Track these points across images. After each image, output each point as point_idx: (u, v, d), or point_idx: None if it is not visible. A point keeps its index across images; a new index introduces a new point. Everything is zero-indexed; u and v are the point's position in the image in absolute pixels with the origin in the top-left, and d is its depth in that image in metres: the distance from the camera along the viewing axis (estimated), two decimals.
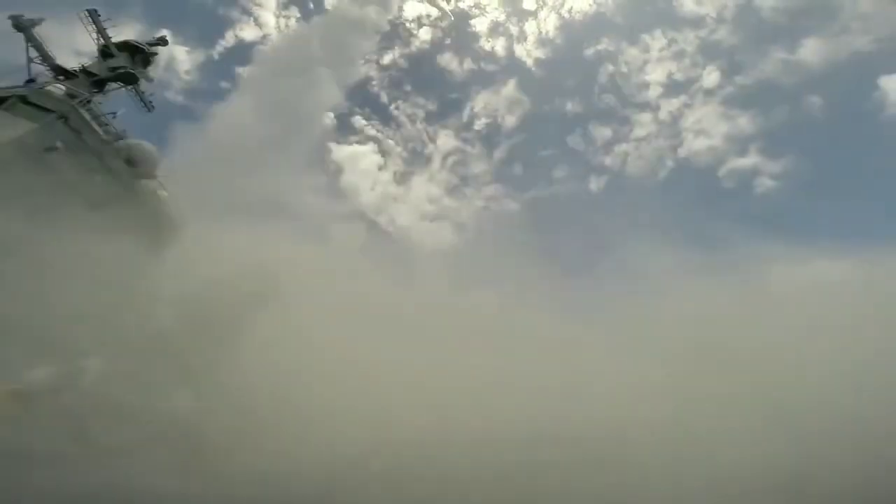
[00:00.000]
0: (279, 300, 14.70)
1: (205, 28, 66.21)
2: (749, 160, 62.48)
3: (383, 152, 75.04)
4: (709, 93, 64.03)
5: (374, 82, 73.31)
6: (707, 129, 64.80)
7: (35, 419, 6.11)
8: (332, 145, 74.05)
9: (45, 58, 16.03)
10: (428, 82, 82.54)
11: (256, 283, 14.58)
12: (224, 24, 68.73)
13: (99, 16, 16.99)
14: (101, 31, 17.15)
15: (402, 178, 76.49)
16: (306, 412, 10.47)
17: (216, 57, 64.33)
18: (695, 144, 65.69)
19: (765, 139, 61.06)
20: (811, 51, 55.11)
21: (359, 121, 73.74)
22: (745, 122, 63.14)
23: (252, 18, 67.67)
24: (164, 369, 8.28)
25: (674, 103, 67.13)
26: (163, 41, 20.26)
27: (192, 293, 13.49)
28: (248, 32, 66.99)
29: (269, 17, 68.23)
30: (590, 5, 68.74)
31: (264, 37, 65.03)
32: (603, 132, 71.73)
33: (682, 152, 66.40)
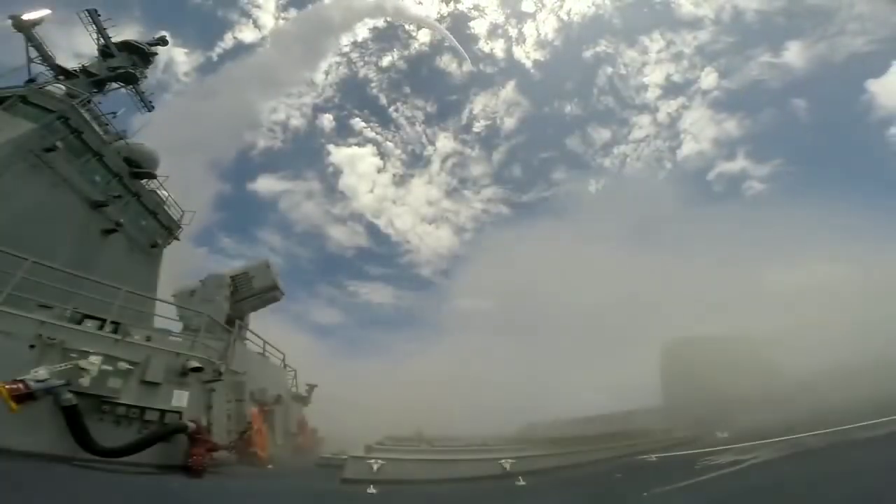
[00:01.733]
0: None
1: (203, 30, 66.14)
2: (743, 162, 62.67)
3: (382, 154, 75.04)
4: (707, 94, 64.18)
5: (373, 84, 73.35)
6: (704, 131, 64.93)
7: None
8: (331, 147, 74.04)
9: (45, 58, 16.03)
10: (427, 84, 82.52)
11: None
12: (223, 26, 68.75)
13: (99, 16, 17.02)
14: (101, 31, 17.16)
15: (401, 181, 76.56)
16: None
17: (215, 59, 64.32)
18: (693, 146, 65.80)
19: (756, 141, 61.30)
20: (810, 53, 55.24)
21: (358, 123, 73.76)
22: (742, 124, 63.27)
23: (251, 20, 67.62)
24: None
25: (672, 105, 67.29)
26: (163, 41, 20.30)
27: None
28: (247, 34, 66.98)
29: (267, 19, 68.12)
30: (588, 7, 68.78)
31: (263, 38, 64.91)
32: (602, 134, 71.89)
33: (680, 154, 66.54)
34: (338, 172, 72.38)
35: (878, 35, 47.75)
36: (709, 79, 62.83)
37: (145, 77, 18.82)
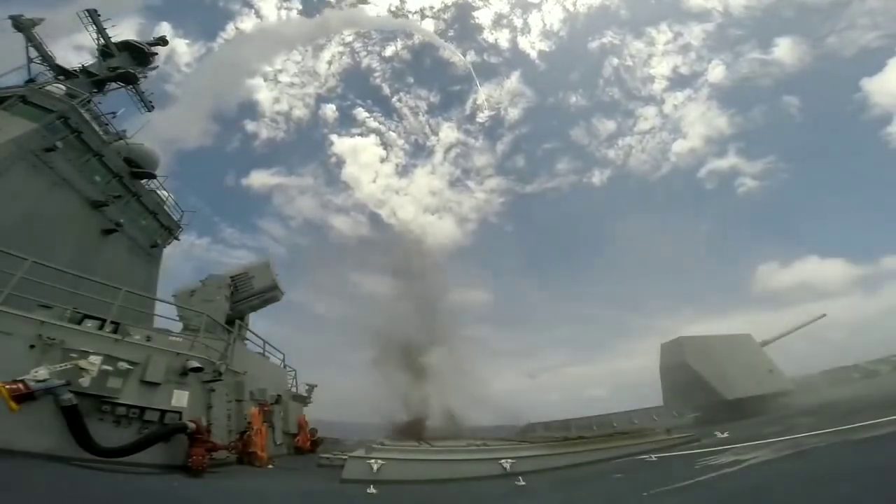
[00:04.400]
0: None
1: (205, 20, 66.14)
2: (742, 157, 62.63)
3: (385, 144, 74.80)
4: (714, 87, 63.99)
5: (376, 74, 73.06)
6: (708, 124, 64.77)
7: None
8: (334, 137, 73.69)
9: (45, 58, 16.04)
10: (430, 74, 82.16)
11: None
12: (225, 16, 68.58)
13: (99, 15, 17.03)
14: (101, 31, 17.17)
15: (404, 171, 76.37)
16: None
17: (217, 49, 64.18)
18: (696, 141, 65.67)
19: (757, 135, 61.28)
20: (818, 48, 55.01)
21: (361, 113, 73.51)
22: (743, 117, 63.18)
23: (253, 10, 67.35)
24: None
25: (679, 97, 67.14)
26: (163, 41, 20.32)
27: None
28: (249, 24, 66.70)
29: (270, 9, 67.72)
30: None
31: (264, 29, 64.38)
32: (607, 125, 71.66)
33: (683, 147, 66.39)
34: (340, 162, 72.13)
35: (891, 30, 47.65)
36: (716, 71, 62.59)
37: (145, 77, 18.83)
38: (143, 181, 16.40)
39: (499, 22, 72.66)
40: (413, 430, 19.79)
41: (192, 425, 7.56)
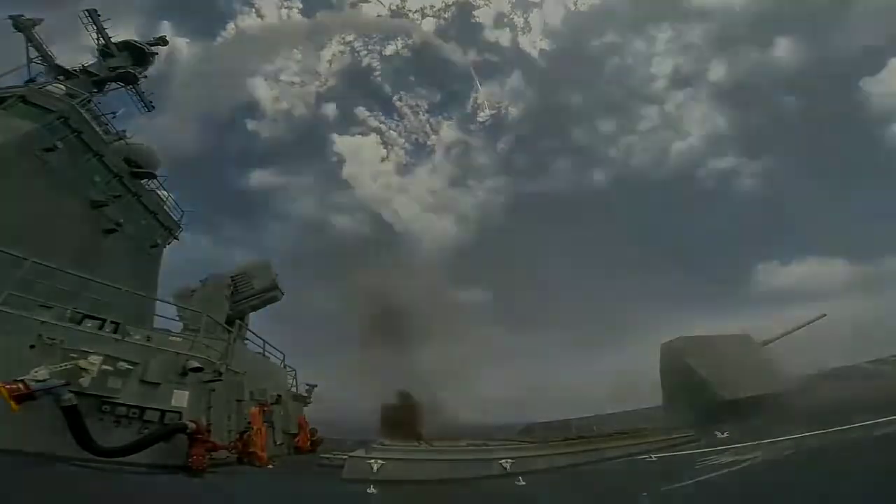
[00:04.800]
0: None
1: (205, 19, 65.97)
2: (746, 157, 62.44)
3: (386, 143, 74.72)
4: (715, 86, 63.80)
5: (376, 73, 72.92)
6: (708, 124, 64.60)
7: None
8: (334, 136, 73.62)
9: (45, 58, 16.04)
10: (431, 73, 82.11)
11: None
12: (225, 16, 68.35)
13: (99, 15, 17.01)
14: (101, 31, 17.16)
15: (404, 170, 76.30)
16: None
17: (217, 49, 63.91)
18: (696, 140, 65.53)
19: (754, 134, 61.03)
20: (820, 46, 54.82)
21: (361, 111, 73.38)
22: (743, 117, 63.01)
23: (253, 9, 67.15)
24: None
25: (680, 96, 66.93)
26: (162, 41, 20.30)
27: None
28: (249, 23, 66.44)
29: (270, 9, 67.47)
30: None
31: (265, 28, 64.33)
32: (608, 124, 71.45)
33: (684, 146, 66.24)
34: (341, 161, 72.19)
35: (891, 30, 47.46)
36: (717, 70, 62.34)
37: (145, 77, 18.81)
38: (143, 181, 16.39)
39: (500, 21, 72.49)
40: (406, 418, 19.62)
41: (192, 425, 7.55)
